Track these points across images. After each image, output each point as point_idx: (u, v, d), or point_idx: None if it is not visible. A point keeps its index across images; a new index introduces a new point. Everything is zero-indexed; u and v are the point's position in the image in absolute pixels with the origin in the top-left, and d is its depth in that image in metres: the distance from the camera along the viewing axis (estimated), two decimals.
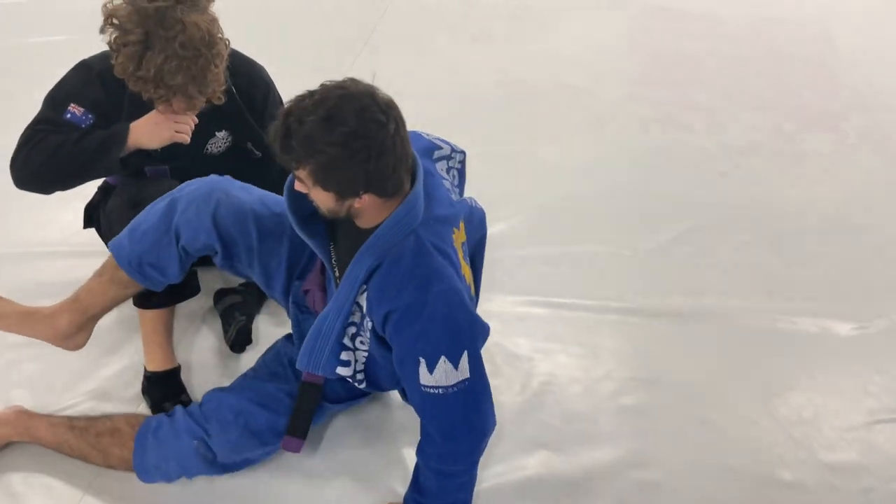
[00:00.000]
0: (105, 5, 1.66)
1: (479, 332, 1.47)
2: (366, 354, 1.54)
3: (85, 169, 1.74)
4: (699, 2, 4.26)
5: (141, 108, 1.74)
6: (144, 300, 1.83)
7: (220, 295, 2.11)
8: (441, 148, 1.60)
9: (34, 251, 2.31)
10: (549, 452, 1.81)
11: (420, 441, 1.55)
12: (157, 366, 1.85)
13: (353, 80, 1.32)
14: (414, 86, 3.54)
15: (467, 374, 1.42)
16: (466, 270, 1.48)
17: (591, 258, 2.40)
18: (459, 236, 1.48)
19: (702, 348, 2.14)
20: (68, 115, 1.71)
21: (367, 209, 1.39)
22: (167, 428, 1.64)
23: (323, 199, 1.37)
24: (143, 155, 1.80)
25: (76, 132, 1.71)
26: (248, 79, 1.93)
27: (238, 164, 1.99)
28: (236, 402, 1.67)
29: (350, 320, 1.49)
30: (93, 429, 1.69)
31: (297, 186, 1.39)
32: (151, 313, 1.84)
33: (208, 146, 1.94)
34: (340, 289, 1.47)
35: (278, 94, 2.05)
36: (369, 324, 1.47)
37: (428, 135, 1.62)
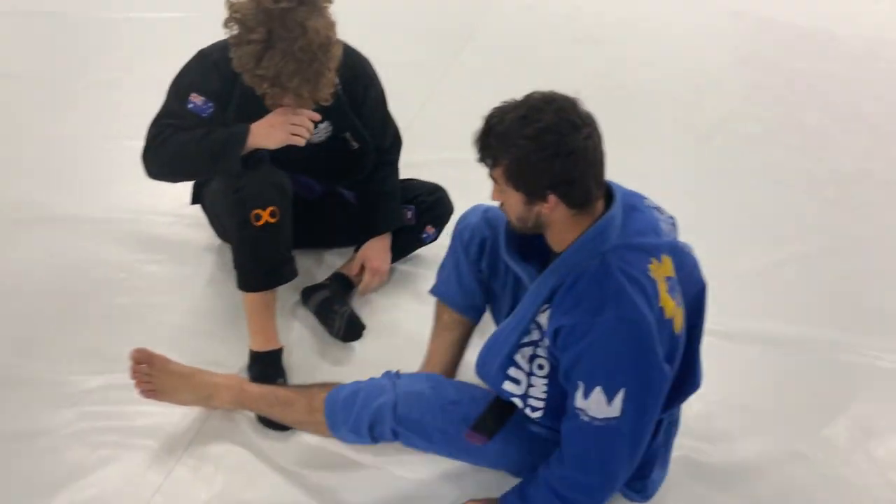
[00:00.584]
0: (229, 0, 1.69)
1: (648, 373, 1.37)
2: (544, 382, 1.48)
3: (207, 168, 1.84)
4: (815, 19, 4.12)
5: (250, 98, 1.79)
6: (246, 283, 1.89)
7: (307, 293, 2.13)
8: (648, 199, 1.55)
9: (145, 218, 2.41)
10: None
11: (553, 456, 1.51)
12: (260, 346, 1.91)
13: (557, 92, 1.35)
14: (512, 84, 3.54)
15: (618, 413, 1.36)
16: (669, 304, 1.39)
17: None
18: (660, 268, 1.40)
19: (797, 378, 2.06)
20: (190, 105, 1.81)
21: (556, 221, 1.39)
22: (353, 389, 1.66)
23: (513, 204, 1.39)
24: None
25: (199, 127, 1.79)
26: (352, 71, 1.96)
27: (335, 153, 2.04)
28: (436, 376, 1.70)
29: (528, 339, 1.46)
30: (284, 404, 1.73)
31: (493, 195, 1.43)
32: (253, 296, 1.90)
33: (313, 136, 1.99)
34: (522, 303, 1.48)
35: (381, 86, 2.09)
36: (547, 342, 1.43)
37: None
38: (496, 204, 1.51)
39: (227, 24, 1.70)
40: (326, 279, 2.16)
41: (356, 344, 2.03)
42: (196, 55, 1.88)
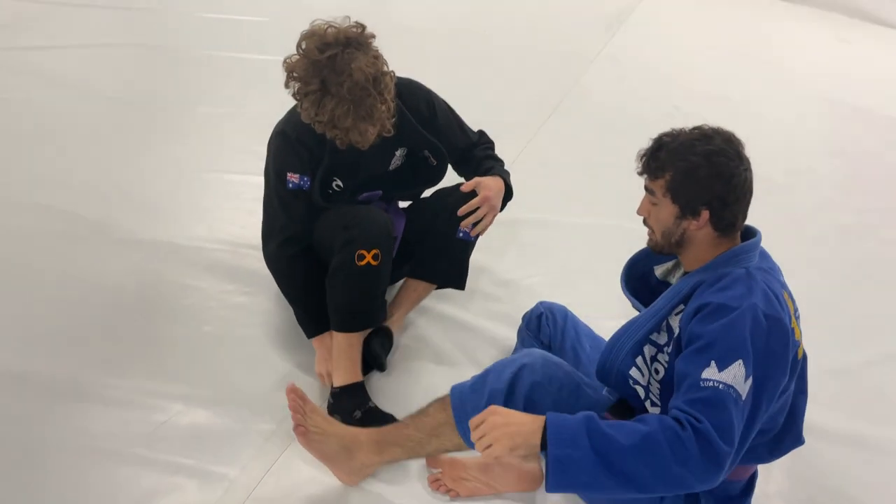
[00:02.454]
0: (285, 61, 1.84)
1: (776, 371, 1.39)
2: (658, 386, 1.54)
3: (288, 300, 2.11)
4: None
5: (335, 153, 1.97)
6: (342, 323, 1.95)
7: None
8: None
9: (240, 251, 2.48)
10: None
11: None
12: (348, 379, 1.95)
13: (728, 130, 1.52)
14: (598, 152, 3.60)
15: (743, 396, 1.34)
16: (797, 329, 1.48)
17: None
18: (789, 304, 1.50)
19: (885, 483, 1.97)
20: (290, 185, 2.00)
21: (699, 241, 1.51)
22: (481, 374, 1.64)
23: (664, 217, 1.52)
24: (335, 183, 2.03)
25: (303, 202, 2.01)
26: (409, 93, 2.06)
27: (412, 172, 2.14)
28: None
29: (656, 338, 1.54)
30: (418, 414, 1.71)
31: (641, 207, 1.57)
32: (347, 335, 1.96)
33: (392, 164, 2.10)
34: (659, 299, 1.57)
35: (442, 99, 2.16)
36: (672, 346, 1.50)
37: None
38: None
39: (286, 84, 1.86)
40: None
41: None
42: (278, 136, 2.03)
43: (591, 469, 1.30)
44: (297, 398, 1.70)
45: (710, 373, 1.34)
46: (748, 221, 1.55)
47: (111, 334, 2.14)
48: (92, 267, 2.37)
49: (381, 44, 1.90)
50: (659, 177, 1.50)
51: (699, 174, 1.45)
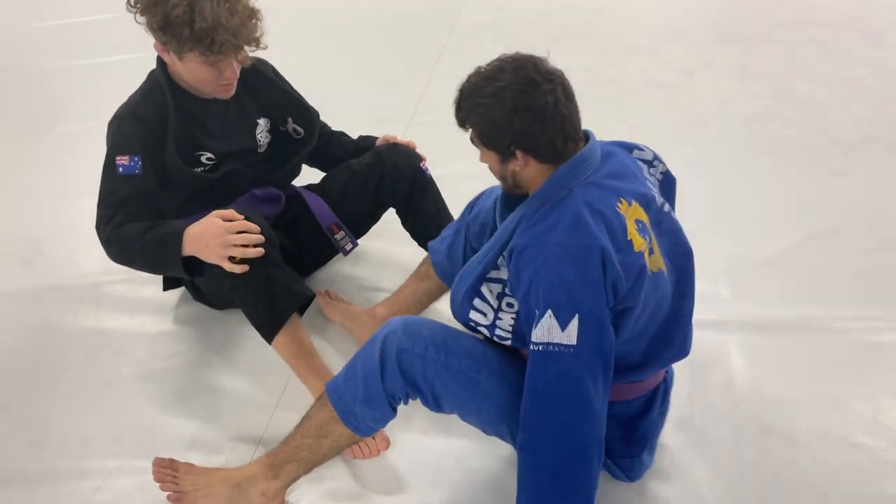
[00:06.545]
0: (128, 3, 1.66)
1: (590, 298, 1.31)
2: (512, 317, 1.46)
3: (156, 268, 1.78)
4: None
5: (186, 121, 1.79)
6: (270, 330, 1.74)
7: None
8: (643, 150, 1.58)
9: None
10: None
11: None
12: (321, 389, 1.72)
13: (523, 53, 1.40)
14: None
15: (574, 342, 1.30)
16: (638, 240, 1.38)
17: (700, 267, 2.26)
18: (630, 210, 1.41)
19: (837, 362, 1.98)
20: (119, 170, 1.73)
21: (533, 177, 1.43)
22: (350, 361, 1.56)
23: (492, 164, 1.47)
24: (204, 157, 1.84)
25: (138, 188, 1.72)
26: (258, 60, 1.92)
27: (282, 151, 2.00)
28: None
29: (496, 276, 1.46)
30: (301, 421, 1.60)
31: (480, 158, 1.50)
32: (284, 341, 1.75)
33: (258, 137, 1.95)
34: (489, 241, 1.51)
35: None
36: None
37: None
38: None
39: (144, 14, 1.65)
40: None
41: None
42: (112, 122, 1.79)
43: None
44: (160, 470, 1.61)
45: (537, 334, 1.33)
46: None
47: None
48: None
49: None
50: (469, 128, 1.45)
51: (494, 116, 1.37)
